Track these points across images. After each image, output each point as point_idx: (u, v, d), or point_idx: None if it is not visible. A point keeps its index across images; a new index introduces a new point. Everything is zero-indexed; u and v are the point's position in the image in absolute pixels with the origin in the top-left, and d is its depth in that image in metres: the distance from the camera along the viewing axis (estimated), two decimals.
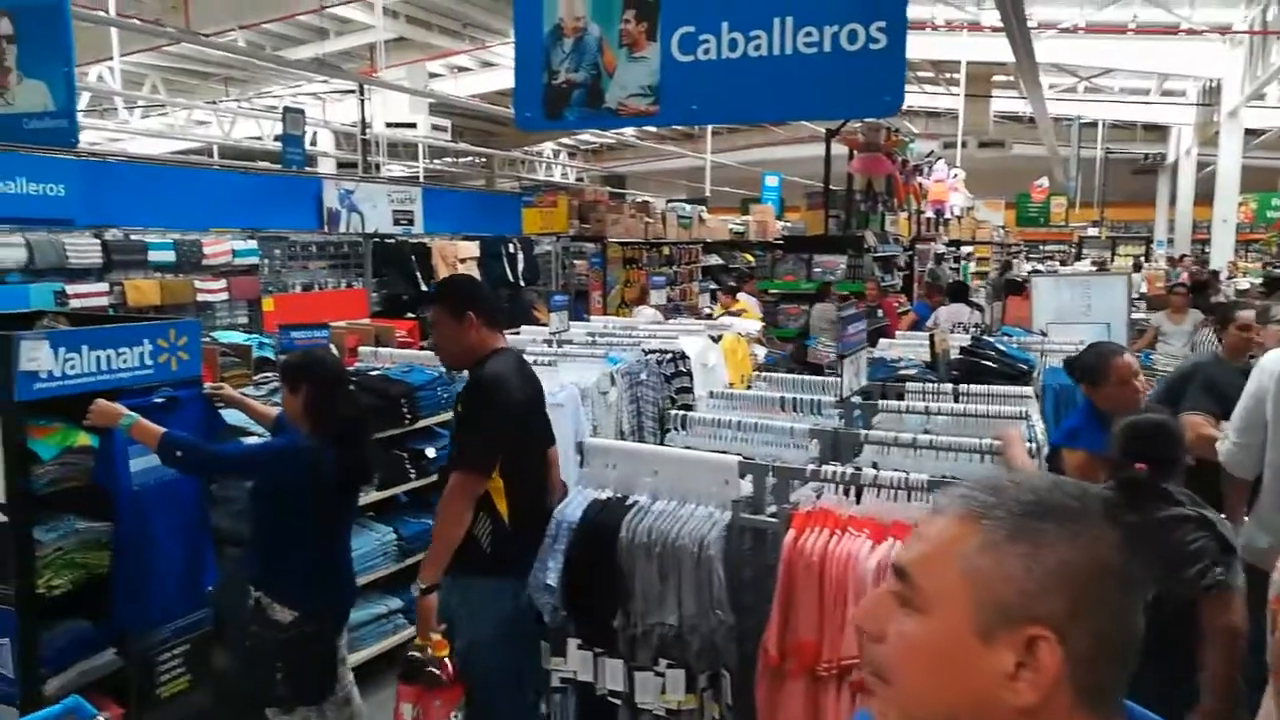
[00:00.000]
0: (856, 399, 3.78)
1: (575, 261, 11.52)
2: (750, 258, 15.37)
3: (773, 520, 2.77)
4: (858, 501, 2.76)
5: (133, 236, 6.96)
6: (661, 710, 2.82)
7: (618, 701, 2.89)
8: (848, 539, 2.61)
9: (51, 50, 6.48)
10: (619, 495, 3.01)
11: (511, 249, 10.14)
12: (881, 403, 3.85)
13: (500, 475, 3.10)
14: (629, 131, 23.30)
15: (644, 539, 2.81)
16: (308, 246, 8.49)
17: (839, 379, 3.70)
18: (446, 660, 2.96)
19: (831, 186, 12.52)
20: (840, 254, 10.96)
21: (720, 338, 7.00)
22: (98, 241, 6.62)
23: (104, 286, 6.50)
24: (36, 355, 3.12)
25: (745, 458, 3.02)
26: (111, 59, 12.27)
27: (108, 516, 3.36)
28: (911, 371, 4.89)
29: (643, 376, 6.07)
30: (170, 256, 7.04)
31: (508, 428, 3.10)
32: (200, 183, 8.21)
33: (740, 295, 10.53)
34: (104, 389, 3.30)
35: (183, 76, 17.57)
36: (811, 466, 2.91)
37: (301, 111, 10.54)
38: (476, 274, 9.53)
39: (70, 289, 6.20)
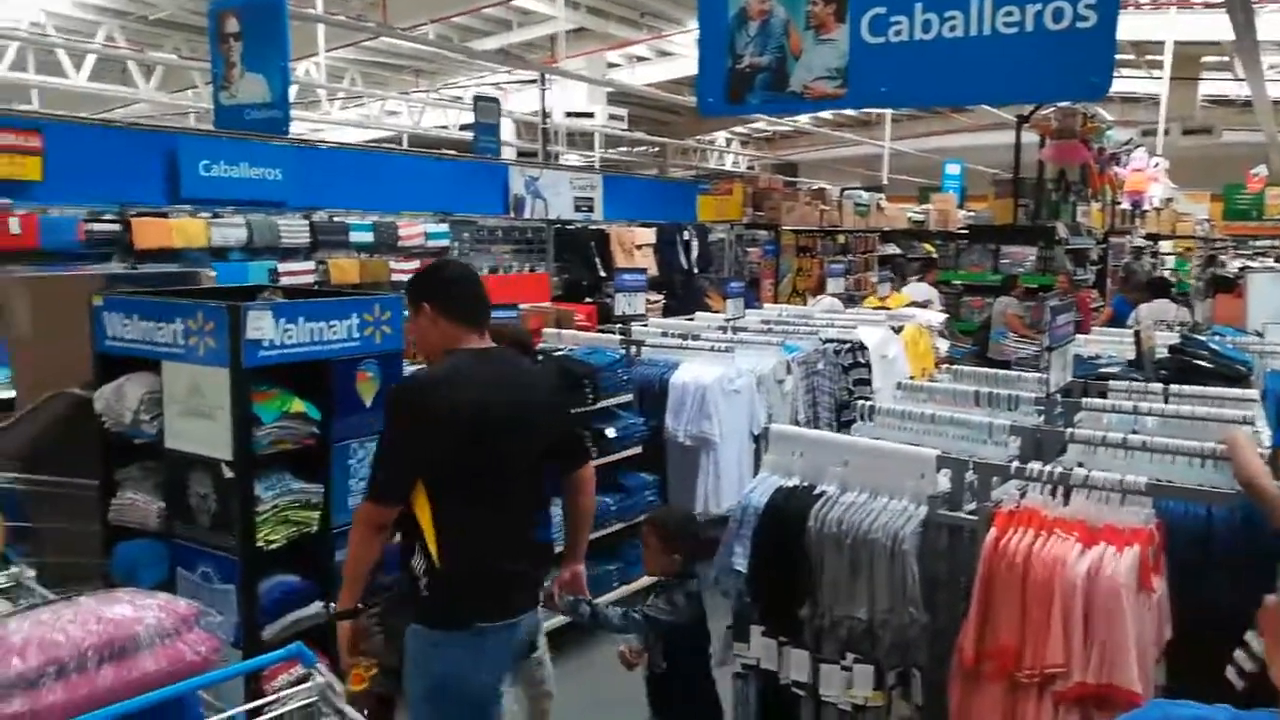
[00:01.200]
0: (1057, 396, 3.58)
1: (748, 249, 11.46)
2: (930, 247, 14.86)
3: (972, 518, 2.66)
4: (1065, 503, 2.62)
5: (336, 218, 7.42)
6: (847, 705, 2.77)
7: (801, 692, 2.85)
8: (1055, 541, 2.47)
9: (271, 46, 6.93)
10: (806, 484, 2.97)
11: (686, 236, 10.19)
12: (1084, 400, 3.64)
13: (429, 501, 2.59)
14: (803, 119, 22.94)
15: (833, 530, 2.76)
16: (494, 231, 8.82)
17: (1039, 374, 3.52)
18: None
19: (1020, 175, 11.93)
20: (1029, 245, 10.44)
21: (901, 328, 6.81)
22: (306, 223, 7.11)
23: (310, 265, 6.99)
24: (260, 325, 3.36)
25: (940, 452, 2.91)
26: (317, 54, 13.08)
27: (317, 479, 3.60)
28: (1114, 370, 4.60)
29: (819, 366, 5.98)
30: (369, 238, 7.48)
31: (422, 444, 2.56)
32: (396, 168, 8.67)
33: (905, 289, 10.16)
34: (317, 358, 3.53)
35: (378, 69, 18.55)
36: (1015, 464, 2.77)
37: (495, 101, 10.93)
38: (652, 260, 9.64)
39: (281, 267, 6.69)
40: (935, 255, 14.24)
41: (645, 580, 5.12)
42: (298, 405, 3.51)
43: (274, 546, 3.44)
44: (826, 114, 22.40)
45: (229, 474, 3.36)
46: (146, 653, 1.88)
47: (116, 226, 6.09)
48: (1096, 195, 12.92)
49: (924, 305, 8.73)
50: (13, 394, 4.55)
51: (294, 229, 7.02)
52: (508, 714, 3.36)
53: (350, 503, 3.67)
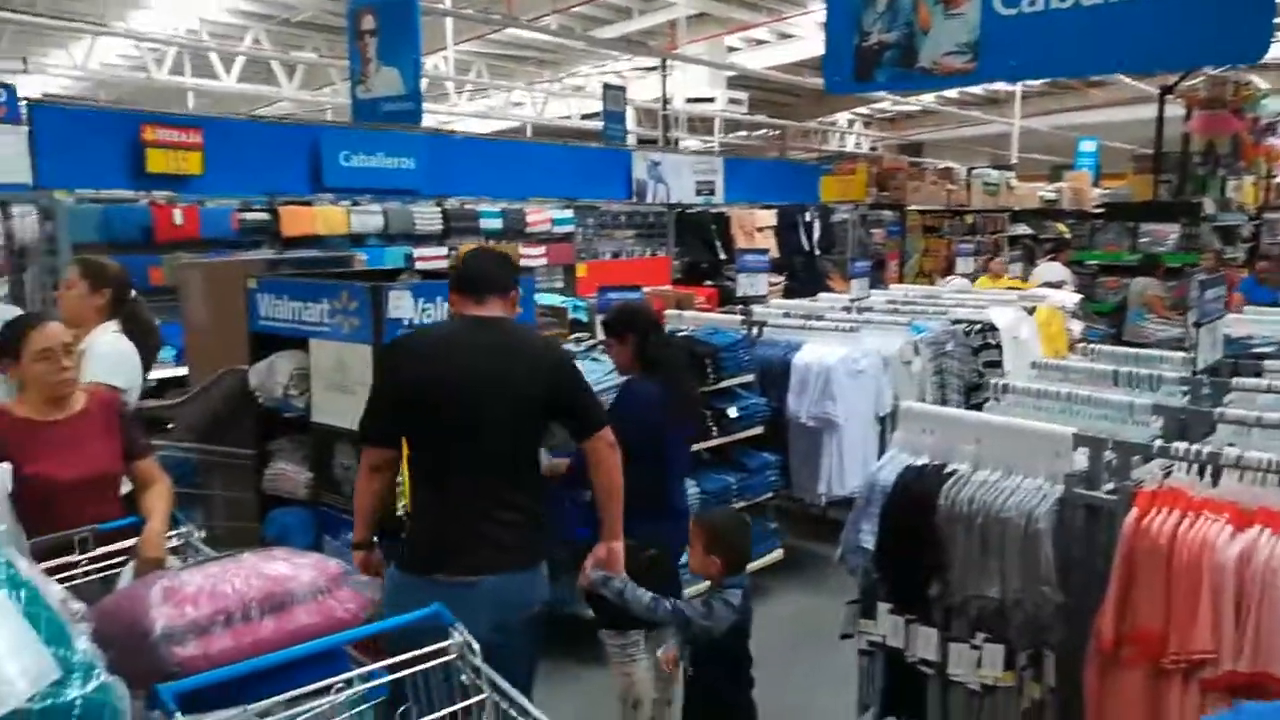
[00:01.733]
0: (1204, 375, 3.43)
1: (872, 230, 11.26)
2: (1063, 227, 14.30)
3: (1112, 498, 2.58)
4: (1214, 484, 2.51)
5: (467, 206, 7.69)
6: (976, 684, 2.72)
7: (929, 670, 2.83)
8: (1204, 523, 2.37)
9: (404, 40, 7.20)
10: (936, 462, 2.93)
11: (808, 217, 10.09)
12: (1235, 380, 3.46)
13: (410, 449, 2.78)
14: (928, 97, 22.28)
15: (964, 508, 2.71)
16: (617, 216, 8.96)
17: (1185, 352, 3.37)
18: None
19: (1163, 149, 11.33)
20: (1171, 223, 9.91)
21: (1034, 309, 6.61)
22: (439, 210, 7.40)
23: (443, 250, 7.27)
24: (400, 304, 3.52)
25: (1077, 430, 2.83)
26: (445, 48, 13.49)
27: None
28: (1268, 350, 4.36)
29: (948, 347, 5.87)
30: (498, 224, 7.73)
31: (390, 396, 2.73)
32: (524, 156, 8.89)
33: (1036, 270, 9.78)
34: None
35: (503, 61, 18.96)
36: (1159, 443, 2.67)
37: (622, 89, 11.09)
38: (773, 242, 9.59)
39: (416, 252, 6.98)
40: (1069, 235, 13.71)
41: (772, 557, 5.15)
42: None
43: None
44: (953, 92, 21.68)
45: None
46: (301, 607, 2.00)
47: (266, 215, 6.47)
48: (1250, 168, 12.15)
49: (1057, 286, 8.42)
50: (185, 371, 4.89)
51: (427, 216, 7.32)
52: (641, 680, 3.45)
53: None
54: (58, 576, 2.18)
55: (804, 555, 5.53)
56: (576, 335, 5.61)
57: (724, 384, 4.95)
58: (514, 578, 2.69)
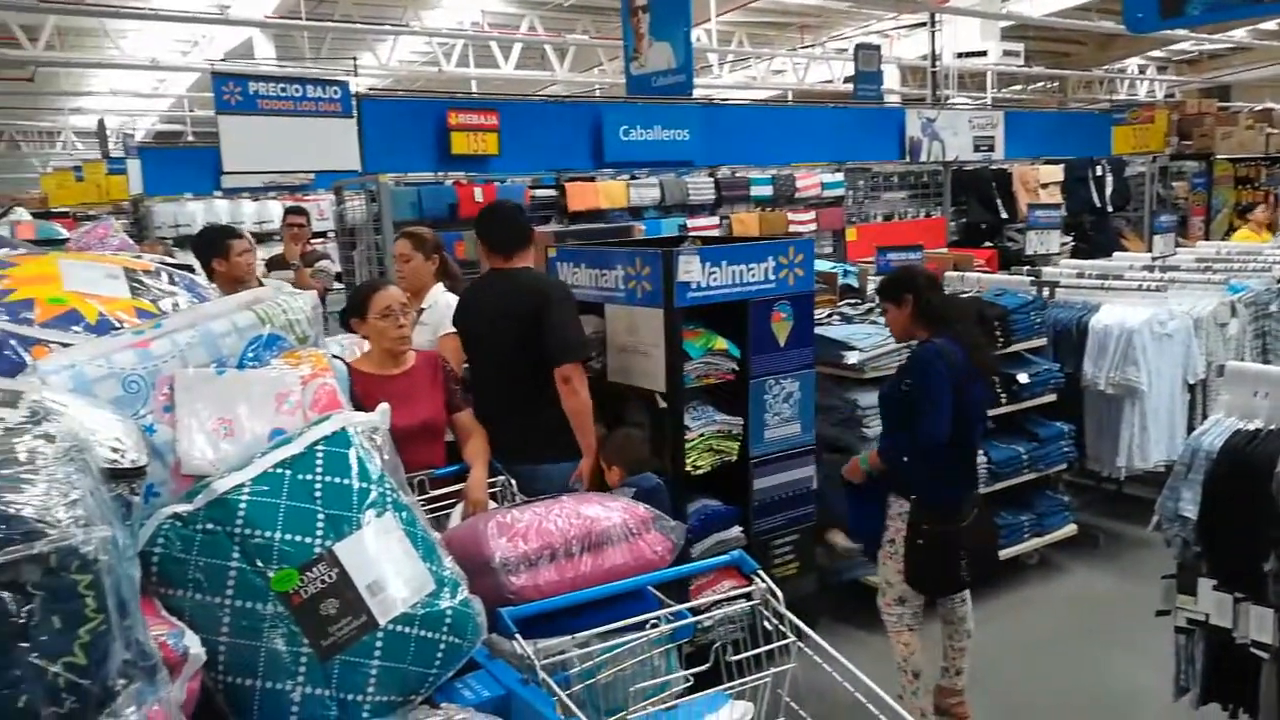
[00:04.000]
0: None
1: (1173, 183, 10.22)
2: None
3: None
4: None
5: (738, 174, 7.77)
6: None
7: (1263, 654, 2.60)
8: None
9: (674, 14, 7.33)
10: (1272, 427, 2.67)
11: (1099, 171, 9.29)
12: None
13: None
14: (1239, 33, 19.81)
15: None
16: (889, 177, 8.70)
17: None
18: None
19: None
20: None
21: None
22: (711, 180, 7.54)
23: (714, 220, 7.40)
24: (690, 268, 3.64)
25: None
26: (709, 21, 13.59)
27: (735, 413, 3.85)
28: None
29: (1272, 308, 5.34)
30: (768, 191, 7.75)
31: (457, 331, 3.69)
32: (793, 121, 8.82)
33: None
34: (737, 299, 3.76)
35: (763, 29, 18.84)
36: None
37: (876, 48, 10.75)
38: (1058, 199, 8.95)
39: (690, 223, 7.16)
40: None
41: (1064, 532, 4.89)
42: (720, 343, 3.78)
43: (700, 472, 3.75)
44: (1272, 24, 19.16)
45: (662, 404, 3.70)
46: (615, 547, 2.15)
47: (553, 191, 6.89)
48: None
49: None
50: None
51: (700, 186, 7.50)
52: (917, 649, 3.42)
53: (766, 435, 3.90)
54: None
55: (1097, 532, 5.20)
56: (849, 300, 5.52)
57: (1014, 348, 4.73)
58: (529, 469, 3.19)
